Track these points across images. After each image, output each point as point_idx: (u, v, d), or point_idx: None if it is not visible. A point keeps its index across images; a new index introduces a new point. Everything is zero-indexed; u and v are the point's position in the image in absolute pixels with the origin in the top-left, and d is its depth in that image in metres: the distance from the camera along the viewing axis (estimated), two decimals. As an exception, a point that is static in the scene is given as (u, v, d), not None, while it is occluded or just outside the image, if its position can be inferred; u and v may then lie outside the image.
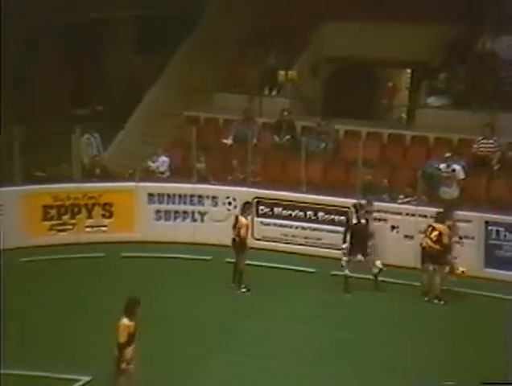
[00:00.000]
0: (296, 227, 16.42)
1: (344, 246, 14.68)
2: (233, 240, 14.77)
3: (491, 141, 16.69)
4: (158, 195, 16.93)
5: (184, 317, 13.42)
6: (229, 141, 18.39)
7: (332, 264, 15.30)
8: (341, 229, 15.55)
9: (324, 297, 14.44)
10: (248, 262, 14.77)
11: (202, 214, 16.90)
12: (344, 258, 14.62)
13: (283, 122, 18.46)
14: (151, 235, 16.63)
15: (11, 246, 15.60)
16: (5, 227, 15.72)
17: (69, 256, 15.73)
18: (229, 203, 16.65)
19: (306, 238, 16.36)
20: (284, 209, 16.48)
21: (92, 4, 21.42)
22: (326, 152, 17.91)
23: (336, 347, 12.60)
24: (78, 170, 16.95)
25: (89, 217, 16.73)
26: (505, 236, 15.06)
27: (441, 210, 14.44)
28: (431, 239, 14.17)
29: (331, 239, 16.01)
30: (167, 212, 16.96)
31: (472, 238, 15.08)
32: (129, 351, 10.00)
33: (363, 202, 15.06)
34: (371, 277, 14.70)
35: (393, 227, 15.65)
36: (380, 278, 14.71)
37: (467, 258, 14.51)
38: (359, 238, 14.53)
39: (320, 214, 16.22)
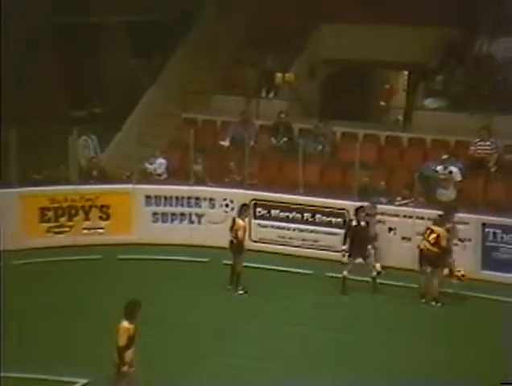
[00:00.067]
0: (293, 230, 16.42)
1: (343, 247, 14.69)
2: (231, 242, 14.77)
3: (488, 143, 16.70)
4: (156, 197, 16.92)
5: (181, 319, 13.40)
6: (226, 143, 18.39)
7: (330, 266, 15.33)
8: (338, 231, 15.61)
9: (321, 299, 14.43)
10: (245, 264, 14.76)
11: (199, 216, 16.89)
12: (345, 259, 14.63)
13: (281, 124, 18.46)
14: (148, 237, 16.62)
15: (8, 248, 15.58)
16: (2, 230, 15.70)
17: (66, 258, 15.71)
18: (227, 205, 16.65)
19: (303, 240, 16.36)
20: (281, 211, 16.48)
21: (90, 7, 21.45)
22: (323, 154, 17.92)
23: (334, 349, 12.59)
24: (75, 172, 16.94)
25: (86, 219, 16.72)
26: (502, 238, 15.07)
27: (441, 213, 14.43)
28: (429, 241, 14.17)
29: (328, 241, 16.03)
30: (164, 214, 16.95)
31: (469, 240, 15.09)
32: (128, 354, 9.96)
33: (366, 204, 15.07)
34: (369, 279, 14.69)
35: (390, 229, 15.66)
36: (377, 280, 14.72)
37: (464, 260, 14.52)
38: (359, 240, 14.53)
39: (318, 216, 16.22)
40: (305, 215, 16.31)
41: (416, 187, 15.83)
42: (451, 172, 16.03)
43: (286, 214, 16.44)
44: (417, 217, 15.42)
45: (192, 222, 16.91)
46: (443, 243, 14.09)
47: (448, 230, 14.17)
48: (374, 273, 14.66)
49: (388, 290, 14.66)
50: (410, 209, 15.62)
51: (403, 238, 15.60)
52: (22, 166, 16.42)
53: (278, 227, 16.49)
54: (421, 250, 14.37)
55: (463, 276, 14.13)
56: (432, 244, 14.13)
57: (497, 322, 13.15)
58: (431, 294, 14.21)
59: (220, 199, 16.72)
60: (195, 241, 16.61)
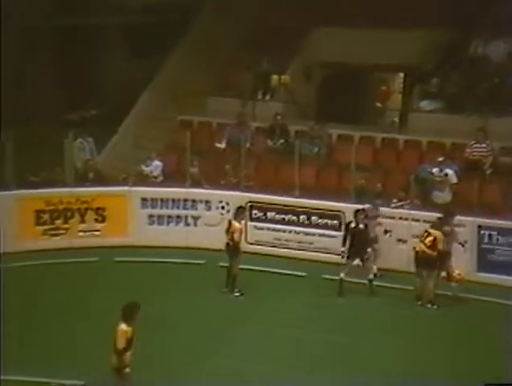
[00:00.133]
0: (290, 232, 16.42)
1: (342, 249, 14.73)
2: (227, 244, 14.77)
3: (484, 145, 16.73)
4: (152, 199, 16.92)
5: (177, 321, 13.39)
6: (222, 146, 18.40)
7: (326, 268, 15.33)
8: (334, 233, 15.64)
9: (317, 301, 14.44)
10: (241, 266, 14.77)
11: (195, 218, 16.89)
12: (344, 260, 14.66)
13: (277, 126, 18.48)
14: (144, 239, 16.61)
15: (4, 251, 15.54)
16: (-1, 232, 15.70)
17: (62, 260, 15.69)
18: (223, 208, 16.65)
19: (299, 242, 16.36)
20: (277, 213, 16.48)
21: (86, 9, 21.44)
22: (319, 156, 17.94)
23: (330, 352, 12.60)
24: (71, 175, 16.93)
25: (82, 222, 16.70)
26: (497, 240, 15.09)
27: (441, 215, 14.43)
28: (424, 244, 14.18)
29: (324, 243, 16.04)
30: (160, 217, 16.95)
31: (465, 242, 15.09)
32: (128, 356, 9.97)
33: (367, 206, 15.09)
34: (365, 281, 14.70)
35: (386, 231, 15.67)
36: (374, 282, 14.72)
37: (460, 262, 14.54)
38: (358, 243, 14.54)
39: (314, 218, 16.23)
40: (301, 217, 16.32)
41: (412, 189, 15.85)
42: (446, 174, 16.06)
43: (282, 216, 16.45)
44: (413, 219, 15.44)
45: (188, 224, 16.91)
46: (440, 246, 14.10)
47: (445, 233, 14.18)
48: (371, 276, 14.67)
49: (384, 292, 14.68)
50: (406, 211, 15.64)
51: (399, 240, 15.61)
52: (19, 169, 16.39)
53: (274, 230, 16.50)
54: (416, 252, 14.39)
55: (459, 275, 14.15)
56: (428, 247, 14.13)
57: (492, 324, 13.16)
58: (427, 296, 14.22)
59: (217, 201, 16.71)
60: (191, 243, 16.60)
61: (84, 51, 22.60)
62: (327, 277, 15.15)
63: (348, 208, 15.61)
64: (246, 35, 20.73)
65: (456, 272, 14.21)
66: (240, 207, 15.22)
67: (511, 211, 15.28)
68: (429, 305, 14.18)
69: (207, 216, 16.76)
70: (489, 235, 15.13)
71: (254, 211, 16.56)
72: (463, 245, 14.68)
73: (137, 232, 16.76)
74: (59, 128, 18.50)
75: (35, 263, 15.53)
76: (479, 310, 13.99)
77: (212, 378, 11.66)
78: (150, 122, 19.93)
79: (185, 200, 16.86)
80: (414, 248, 14.50)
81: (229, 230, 14.74)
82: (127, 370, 9.93)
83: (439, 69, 18.92)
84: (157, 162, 17.85)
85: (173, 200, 16.91)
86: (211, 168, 17.78)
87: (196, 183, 17.13)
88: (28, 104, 20.89)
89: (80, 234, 16.71)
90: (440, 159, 16.28)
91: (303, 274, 15.49)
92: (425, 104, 18.71)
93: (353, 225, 14.70)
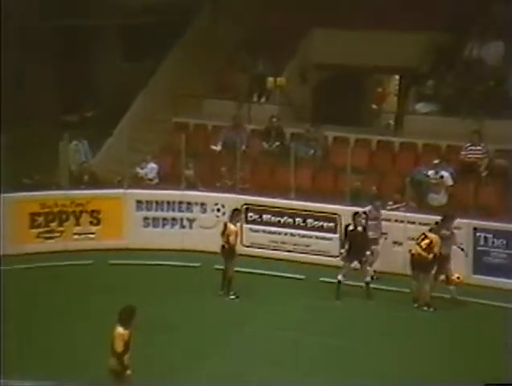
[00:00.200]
0: (285, 234, 16.40)
1: (341, 251, 14.71)
2: (222, 246, 14.74)
3: (479, 147, 16.73)
4: (147, 201, 16.87)
5: (173, 324, 13.35)
6: (217, 148, 18.36)
7: (322, 270, 15.31)
8: (330, 236, 15.63)
9: (313, 303, 14.41)
10: (237, 269, 14.74)
11: (191, 221, 16.85)
12: (341, 263, 14.64)
13: (272, 129, 18.45)
14: (140, 242, 16.57)
15: (-1, 253, 15.51)
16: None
17: (57, 263, 15.64)
18: (218, 210, 16.62)
19: (295, 245, 16.34)
20: (273, 216, 16.45)
21: (82, 11, 21.38)
22: (315, 158, 17.92)
23: (326, 354, 12.58)
24: (66, 177, 16.87)
25: (77, 224, 16.65)
26: (493, 242, 15.08)
27: (440, 218, 14.40)
28: (420, 246, 14.16)
29: (320, 245, 16.02)
30: (155, 219, 16.90)
31: (461, 244, 15.07)
32: (126, 359, 9.93)
33: (368, 208, 15.07)
34: (362, 284, 14.67)
35: (382, 234, 15.62)
36: (370, 285, 14.70)
37: (455, 265, 14.52)
38: (356, 245, 14.52)
39: (309, 220, 16.21)
40: (297, 219, 16.29)
41: (407, 192, 15.84)
42: (442, 177, 16.05)
43: (278, 218, 16.42)
44: (408, 222, 15.43)
45: (183, 227, 16.86)
46: (436, 249, 14.07)
47: (444, 237, 14.15)
48: (368, 278, 14.65)
49: (380, 295, 14.66)
50: (402, 213, 15.63)
51: (395, 242, 15.60)
52: (13, 171, 16.34)
53: (270, 232, 16.46)
54: (412, 255, 14.37)
55: (458, 278, 14.13)
56: (424, 249, 14.12)
57: (488, 326, 13.17)
58: (424, 299, 14.20)
59: (212, 203, 16.68)
60: (186, 246, 16.56)
61: (80, 53, 22.51)
62: (323, 279, 15.12)
63: (344, 210, 15.60)
64: (244, 37, 20.69)
65: (456, 275, 14.19)
66: (235, 210, 15.21)
67: (507, 214, 15.27)
68: (425, 308, 14.16)
69: (202, 219, 16.73)
70: (485, 237, 15.12)
71: (250, 214, 16.53)
72: (463, 249, 14.65)
73: (132, 234, 16.72)
74: (55, 130, 18.42)
75: (30, 266, 15.46)
76: (475, 313, 13.99)
77: (208, 381, 11.63)
78: (146, 125, 19.88)
79: (180, 203, 16.82)
80: (410, 250, 14.48)
81: (224, 232, 14.71)
82: (128, 372, 9.91)
83: (435, 71, 18.92)
84: (152, 165, 17.80)
85: (168, 203, 16.88)
86: (206, 170, 17.74)
87: (192, 186, 17.09)
88: (26, 104, 20.79)
89: (75, 237, 16.65)
90: (436, 161, 16.27)
91: (299, 277, 15.46)
92: (420, 107, 18.71)
93: (351, 228, 14.68)
